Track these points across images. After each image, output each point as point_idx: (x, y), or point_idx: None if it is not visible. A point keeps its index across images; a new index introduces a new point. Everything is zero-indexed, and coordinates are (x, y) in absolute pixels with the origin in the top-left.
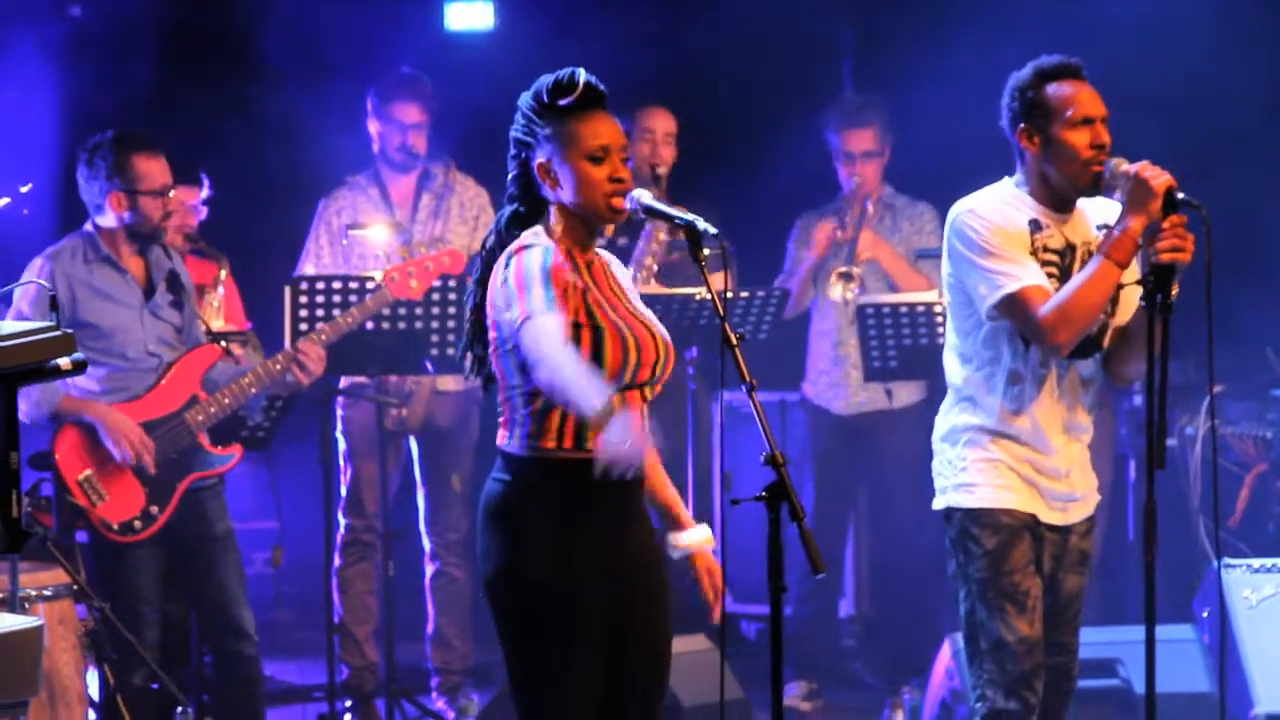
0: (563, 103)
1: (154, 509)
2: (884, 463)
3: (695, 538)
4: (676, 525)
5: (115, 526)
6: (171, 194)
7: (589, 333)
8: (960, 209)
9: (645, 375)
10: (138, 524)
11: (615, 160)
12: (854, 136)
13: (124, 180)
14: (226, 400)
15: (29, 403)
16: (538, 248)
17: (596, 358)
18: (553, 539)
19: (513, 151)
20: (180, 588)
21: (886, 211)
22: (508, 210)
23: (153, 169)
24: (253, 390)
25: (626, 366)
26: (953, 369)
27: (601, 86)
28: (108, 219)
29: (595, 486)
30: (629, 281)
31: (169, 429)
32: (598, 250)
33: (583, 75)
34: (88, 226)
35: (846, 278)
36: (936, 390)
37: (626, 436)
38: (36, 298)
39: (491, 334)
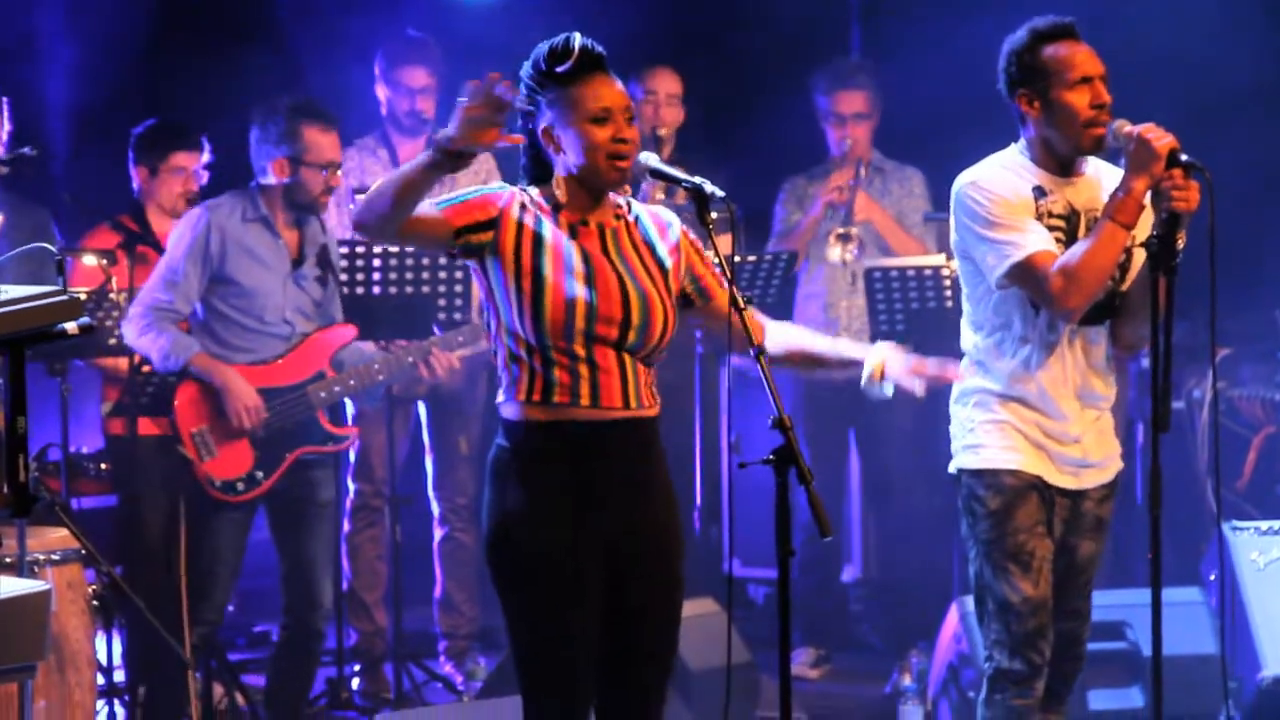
0: (560, 69)
1: (259, 474)
2: (881, 427)
3: (874, 359)
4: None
5: (217, 483)
6: (338, 171)
7: (529, 281)
8: (963, 181)
9: (610, 333)
10: (240, 485)
11: (619, 121)
12: (845, 99)
13: (291, 147)
14: (352, 382)
15: (162, 354)
16: (505, 188)
17: (536, 305)
18: (523, 500)
19: (519, 122)
20: (278, 548)
21: (876, 175)
22: (523, 182)
23: (322, 142)
24: (379, 377)
25: (571, 320)
26: (965, 335)
27: (599, 49)
28: (269, 179)
29: (561, 447)
30: (663, 238)
31: (290, 399)
32: (630, 207)
33: (578, 39)
34: (252, 185)
35: (844, 239)
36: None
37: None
38: (190, 246)
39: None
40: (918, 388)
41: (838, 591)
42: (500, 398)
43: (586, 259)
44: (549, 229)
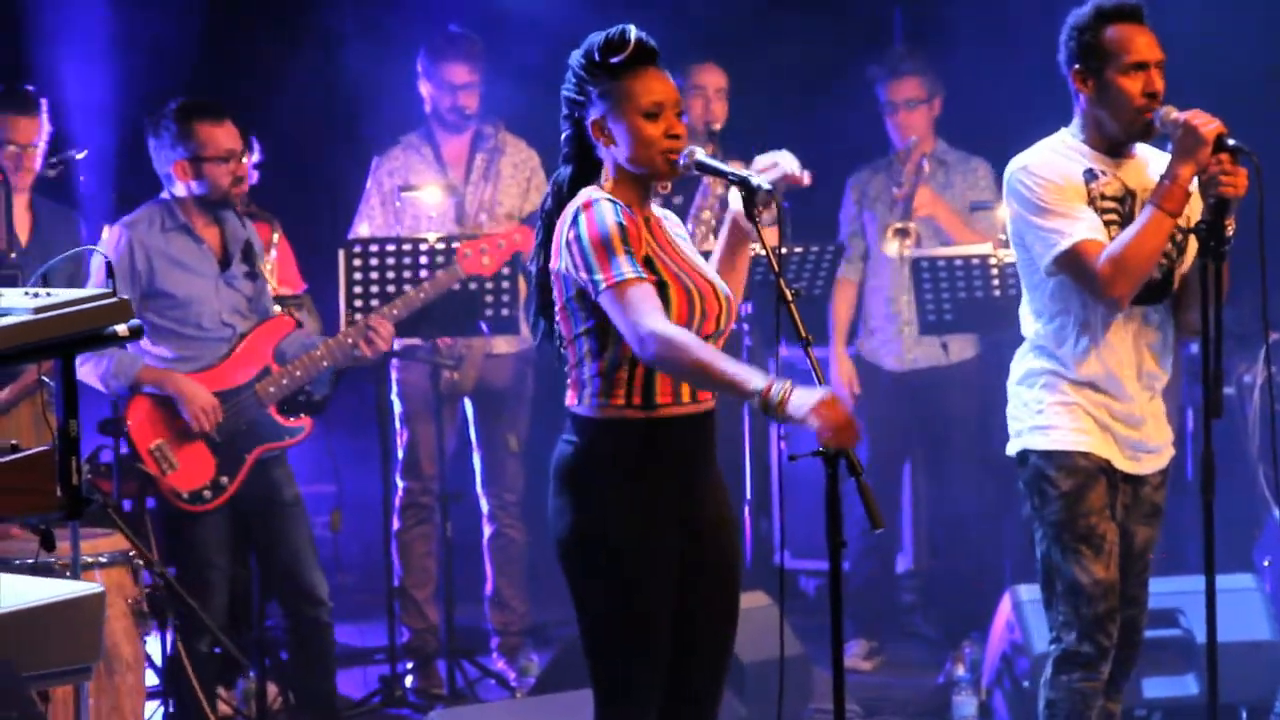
0: (614, 60)
1: (224, 479)
2: (939, 418)
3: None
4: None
5: (185, 495)
6: (245, 160)
7: (655, 286)
8: (1014, 166)
9: (710, 328)
10: (207, 493)
11: (670, 116)
12: (897, 86)
13: (188, 148)
14: (298, 373)
15: (107, 374)
16: (604, 201)
17: (664, 311)
18: (624, 500)
19: (565, 111)
20: (253, 554)
21: (939, 167)
22: (565, 171)
23: (216, 135)
24: (324, 364)
25: (693, 319)
26: (1026, 321)
27: (652, 43)
28: (178, 188)
29: (664, 445)
30: (685, 237)
31: (240, 400)
32: (653, 208)
33: (634, 32)
34: (164, 195)
35: (903, 234)
36: (988, 345)
37: (810, 399)
38: (116, 266)
39: (557, 292)
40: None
41: (890, 583)
42: (578, 400)
43: (672, 253)
44: (641, 231)
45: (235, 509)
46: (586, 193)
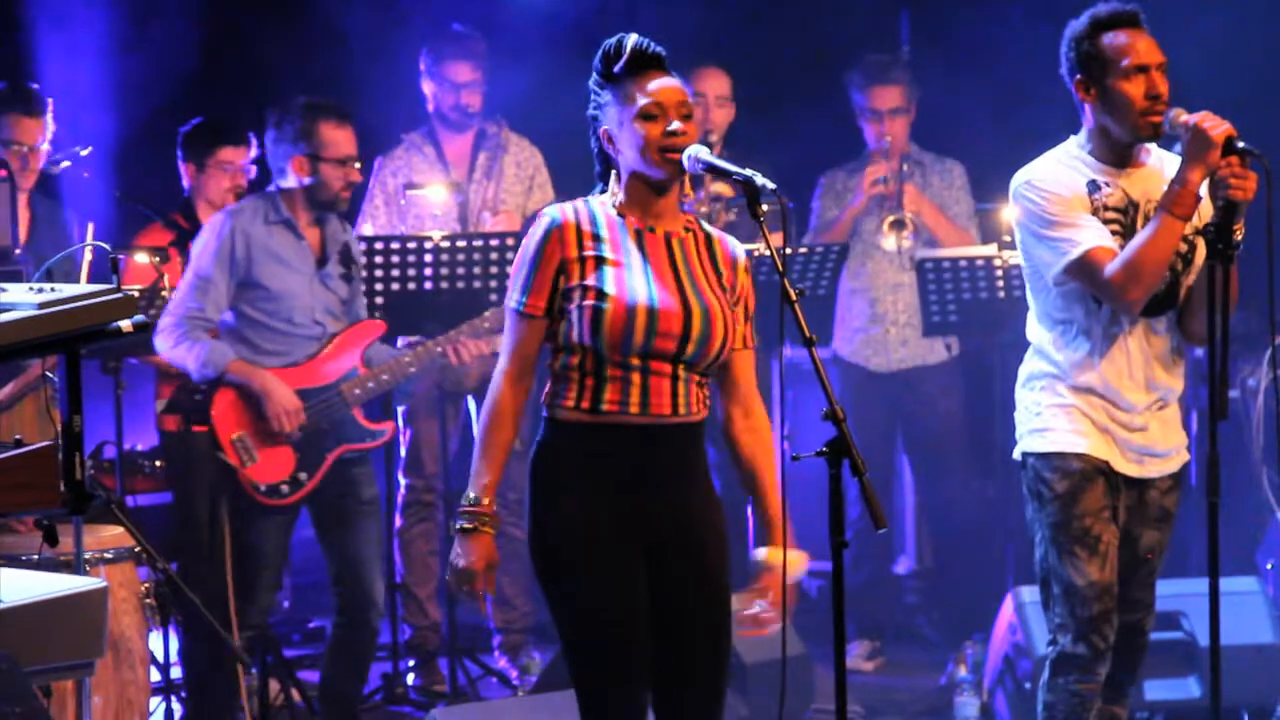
0: (615, 69)
1: (302, 475)
2: (928, 417)
3: (772, 557)
4: (765, 540)
5: (263, 488)
6: (356, 165)
7: (592, 295)
8: (1019, 180)
9: (668, 347)
10: (285, 488)
11: (670, 115)
12: (880, 94)
13: (309, 145)
14: (385, 377)
15: (199, 362)
16: (546, 218)
17: (595, 323)
18: (572, 498)
19: (590, 128)
20: (323, 549)
21: (916, 168)
22: (599, 186)
23: (339, 138)
24: (411, 369)
25: (631, 336)
26: (1030, 326)
27: (654, 48)
28: (289, 181)
29: (606, 451)
30: (724, 264)
31: (325, 399)
32: (709, 230)
33: (631, 39)
34: (271, 188)
35: (899, 225)
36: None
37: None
38: (216, 253)
39: None
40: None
41: (892, 584)
42: (545, 400)
43: (648, 271)
44: (610, 243)
45: (311, 507)
46: (567, 202)
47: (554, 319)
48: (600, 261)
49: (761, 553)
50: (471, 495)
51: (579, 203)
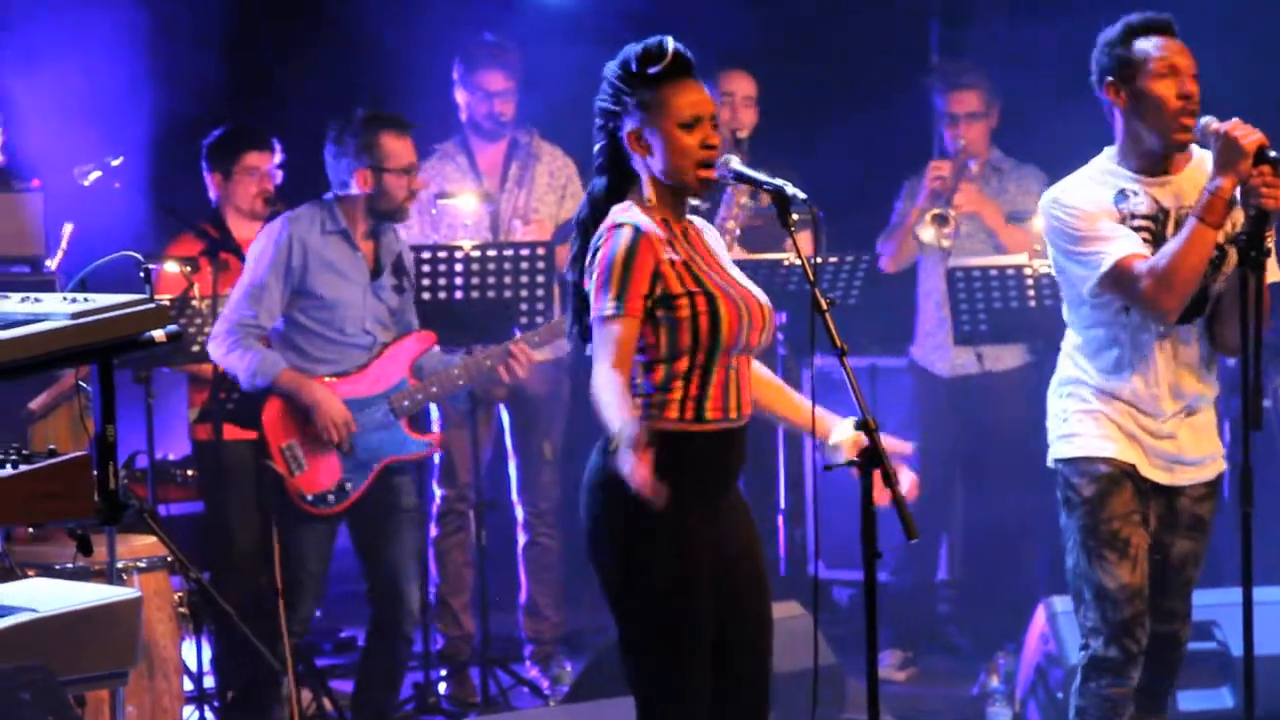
0: (652, 71)
1: (349, 485)
2: (980, 426)
3: (846, 433)
4: (824, 431)
5: (309, 497)
6: (417, 174)
7: (703, 300)
8: (1047, 199)
9: (756, 339)
10: (331, 497)
11: (706, 127)
12: (958, 98)
13: (371, 158)
14: (434, 389)
15: (250, 372)
16: (627, 227)
17: (713, 324)
18: (668, 518)
19: (600, 122)
20: (361, 555)
21: (993, 174)
22: (599, 182)
23: (399, 148)
24: (460, 382)
25: (741, 330)
26: (1067, 335)
27: (689, 54)
28: (352, 191)
29: (707, 458)
30: (723, 248)
31: (373, 409)
32: (690, 218)
33: (671, 43)
34: (328, 195)
35: (940, 220)
36: (1036, 353)
37: (628, 456)
38: (273, 260)
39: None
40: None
41: (927, 593)
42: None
43: (713, 265)
44: (679, 247)
45: (349, 516)
46: (617, 212)
47: (647, 326)
48: (689, 265)
49: (840, 429)
50: (614, 426)
51: (634, 212)
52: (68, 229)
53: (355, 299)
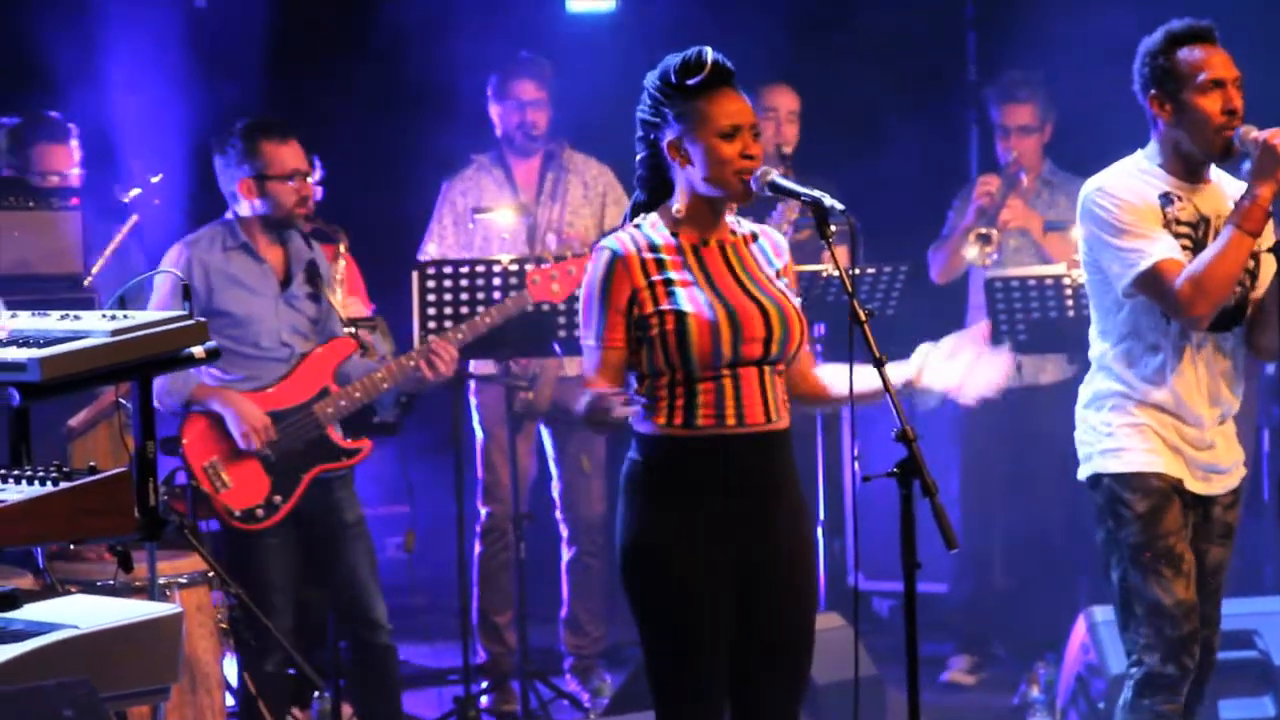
0: (691, 82)
1: (277, 498)
2: (1023, 438)
3: (911, 367)
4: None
5: (237, 513)
6: (310, 179)
7: (671, 318)
8: (1090, 188)
9: (755, 351)
10: (260, 512)
11: (746, 137)
12: (1011, 111)
13: (253, 166)
14: (358, 394)
15: (162, 390)
16: (605, 251)
17: (681, 341)
18: (670, 512)
19: (640, 133)
20: (315, 575)
21: (1044, 187)
22: (640, 195)
23: (282, 154)
24: (385, 386)
25: (720, 344)
26: (1094, 344)
27: (729, 64)
28: (242, 207)
29: (701, 462)
30: (780, 256)
31: (297, 420)
32: (752, 227)
33: (710, 54)
34: (228, 215)
35: (984, 239)
36: (1075, 364)
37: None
38: (173, 287)
39: None
40: (965, 396)
41: (992, 599)
42: (635, 416)
43: (714, 283)
44: (673, 265)
45: (297, 531)
46: (618, 232)
47: (633, 348)
48: (669, 284)
49: (913, 363)
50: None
51: (632, 230)
52: (119, 240)
53: (267, 312)
